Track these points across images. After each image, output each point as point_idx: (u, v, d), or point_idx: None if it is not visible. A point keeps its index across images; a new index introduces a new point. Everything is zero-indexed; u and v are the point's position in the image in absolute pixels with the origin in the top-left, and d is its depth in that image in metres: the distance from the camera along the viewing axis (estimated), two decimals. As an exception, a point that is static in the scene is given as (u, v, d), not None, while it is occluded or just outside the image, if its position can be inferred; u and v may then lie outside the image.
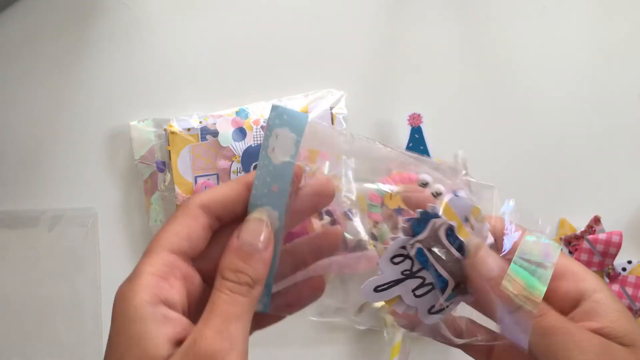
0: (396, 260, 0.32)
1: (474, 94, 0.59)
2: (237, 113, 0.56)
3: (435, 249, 0.31)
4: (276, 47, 0.59)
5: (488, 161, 0.58)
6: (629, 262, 0.54)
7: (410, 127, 0.58)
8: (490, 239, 0.31)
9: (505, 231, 0.31)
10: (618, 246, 0.53)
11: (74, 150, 0.58)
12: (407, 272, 0.32)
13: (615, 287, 0.53)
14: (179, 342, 0.26)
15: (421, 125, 0.57)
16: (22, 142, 0.58)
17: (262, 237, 0.29)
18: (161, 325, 0.26)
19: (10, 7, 0.59)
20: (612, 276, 0.53)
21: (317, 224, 0.55)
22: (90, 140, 0.58)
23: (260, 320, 0.32)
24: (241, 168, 0.55)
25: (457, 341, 0.33)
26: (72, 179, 0.58)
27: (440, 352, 0.58)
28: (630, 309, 0.53)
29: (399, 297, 0.32)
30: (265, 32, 0.59)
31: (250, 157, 0.56)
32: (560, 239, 0.56)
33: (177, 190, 0.56)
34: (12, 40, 0.59)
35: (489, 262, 0.30)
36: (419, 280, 0.32)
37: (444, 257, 0.31)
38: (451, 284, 0.31)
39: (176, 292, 0.28)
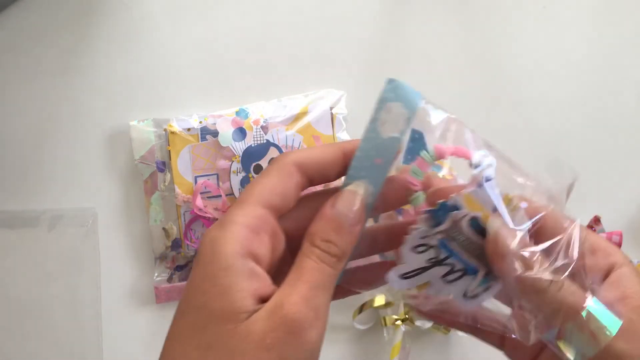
0: (419, 249, 0.30)
1: (473, 94, 0.60)
2: (237, 113, 0.56)
3: (459, 240, 0.30)
4: (276, 47, 0.59)
5: (488, 161, 0.58)
6: (629, 262, 0.54)
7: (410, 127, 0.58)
8: (527, 224, 0.29)
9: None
10: (618, 246, 0.53)
11: (74, 150, 0.58)
12: (434, 260, 0.31)
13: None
14: (261, 299, 0.26)
15: (421, 125, 0.57)
16: (22, 142, 0.58)
17: (356, 211, 0.28)
18: (248, 280, 0.26)
19: (10, 7, 0.59)
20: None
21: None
22: (90, 140, 0.58)
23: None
24: (241, 168, 0.56)
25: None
26: (72, 179, 0.58)
27: (440, 351, 0.58)
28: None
29: (429, 282, 0.31)
30: (265, 32, 0.59)
31: (250, 157, 0.56)
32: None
33: (177, 190, 0.56)
34: (11, 40, 0.59)
35: (505, 238, 0.28)
36: (448, 267, 0.31)
37: (467, 247, 0.30)
38: (482, 271, 0.30)
39: (264, 247, 0.27)
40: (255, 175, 0.56)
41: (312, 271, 0.27)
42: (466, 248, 0.30)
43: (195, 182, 0.56)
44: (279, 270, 0.28)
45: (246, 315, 0.25)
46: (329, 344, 0.57)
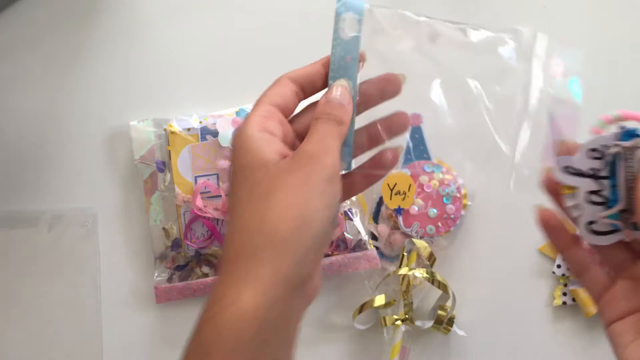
0: (593, 154, 0.34)
1: (474, 94, 0.60)
2: (237, 113, 0.57)
3: (628, 165, 0.34)
4: (276, 47, 0.59)
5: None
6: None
7: (410, 127, 0.58)
8: None
9: None
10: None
11: (74, 150, 0.58)
12: (594, 171, 0.34)
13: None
14: (283, 157, 0.34)
15: (421, 125, 0.58)
16: (22, 142, 0.59)
17: (341, 94, 0.37)
18: (268, 143, 0.34)
19: (10, 8, 0.59)
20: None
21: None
22: (90, 140, 0.58)
23: (352, 187, 0.40)
24: (241, 168, 0.55)
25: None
26: (72, 179, 0.58)
27: (440, 351, 0.58)
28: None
29: (576, 189, 0.35)
30: (265, 32, 0.59)
31: (250, 157, 0.56)
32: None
33: (177, 190, 0.56)
34: (11, 40, 0.59)
35: None
36: (598, 186, 0.34)
37: (628, 177, 0.34)
38: (621, 204, 0.34)
39: (276, 128, 0.35)
40: (255, 175, 0.56)
41: (321, 125, 0.36)
42: (627, 177, 0.34)
43: (195, 182, 0.56)
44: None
45: (276, 162, 0.34)
46: (329, 344, 0.57)
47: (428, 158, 0.57)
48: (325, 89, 0.38)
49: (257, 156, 0.34)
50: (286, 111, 0.38)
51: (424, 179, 0.56)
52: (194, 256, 0.57)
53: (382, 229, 0.57)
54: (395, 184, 0.56)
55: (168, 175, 0.56)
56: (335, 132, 0.36)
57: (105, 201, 0.58)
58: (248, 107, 0.57)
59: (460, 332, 0.56)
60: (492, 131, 0.40)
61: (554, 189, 0.36)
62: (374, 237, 0.57)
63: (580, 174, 0.35)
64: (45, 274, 0.57)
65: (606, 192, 0.35)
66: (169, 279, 0.57)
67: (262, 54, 0.59)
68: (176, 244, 0.57)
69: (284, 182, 0.33)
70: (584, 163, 0.35)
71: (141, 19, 0.59)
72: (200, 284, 0.56)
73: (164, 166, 0.57)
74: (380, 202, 0.58)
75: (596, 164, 0.34)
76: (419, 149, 0.57)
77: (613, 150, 0.34)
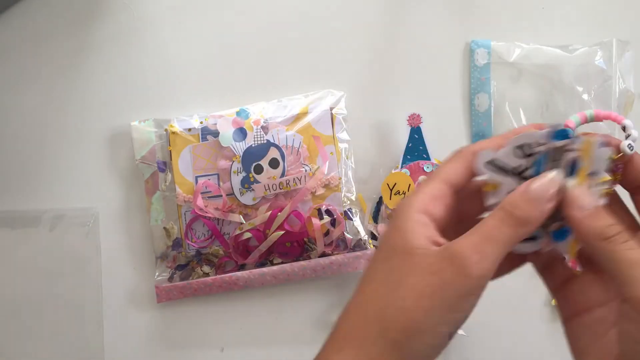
0: (519, 152, 0.33)
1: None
2: (238, 113, 0.57)
3: (554, 167, 0.32)
4: (276, 47, 0.59)
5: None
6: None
7: (409, 128, 0.58)
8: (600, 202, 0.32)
9: None
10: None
11: (75, 150, 0.58)
12: (519, 169, 0.33)
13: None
14: (434, 244, 0.32)
15: (420, 125, 0.58)
16: (24, 142, 0.59)
17: (550, 191, 0.31)
18: (422, 227, 0.32)
19: (11, 8, 0.59)
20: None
21: (316, 222, 0.55)
22: (91, 141, 0.58)
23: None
24: (242, 168, 0.56)
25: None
26: (73, 179, 0.58)
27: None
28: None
29: (497, 186, 0.33)
30: (265, 32, 0.59)
31: (250, 157, 0.56)
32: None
33: (178, 190, 0.56)
34: (13, 41, 0.59)
35: (577, 200, 0.32)
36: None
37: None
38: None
39: (439, 210, 0.33)
40: (255, 176, 0.56)
41: (488, 226, 0.31)
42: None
43: (196, 182, 0.56)
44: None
45: (421, 251, 0.31)
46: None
47: (427, 158, 0.57)
48: None
49: (407, 239, 0.32)
50: (458, 187, 0.34)
51: (423, 179, 0.56)
52: (194, 256, 0.57)
53: (382, 228, 0.57)
54: (395, 183, 0.56)
55: (169, 175, 0.57)
56: (507, 236, 0.31)
57: (107, 201, 0.58)
58: (248, 107, 0.57)
59: (460, 331, 0.56)
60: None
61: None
62: (373, 236, 0.58)
63: (503, 170, 0.33)
64: (47, 273, 0.57)
65: None
66: (170, 279, 0.57)
67: (262, 54, 0.59)
68: (177, 244, 0.57)
69: (417, 279, 0.31)
70: (509, 159, 0.33)
71: (142, 20, 0.59)
72: (201, 284, 0.56)
73: (164, 166, 0.57)
74: (380, 202, 0.58)
75: (523, 162, 0.33)
76: (418, 149, 0.58)
77: (541, 148, 0.32)
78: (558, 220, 0.32)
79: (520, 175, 0.33)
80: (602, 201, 0.32)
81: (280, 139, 0.56)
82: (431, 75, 0.59)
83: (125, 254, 0.58)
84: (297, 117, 0.57)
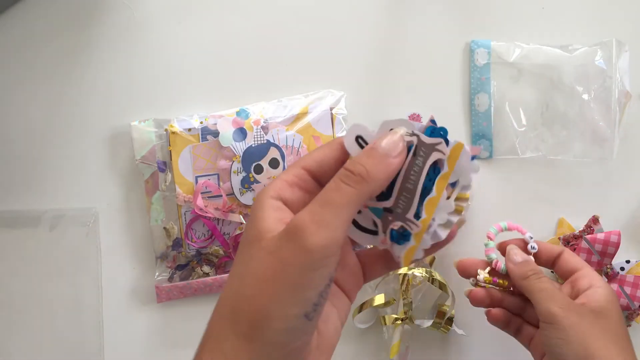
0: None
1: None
2: (238, 113, 0.57)
3: (418, 160, 0.32)
4: (276, 47, 0.59)
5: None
6: (627, 261, 0.54)
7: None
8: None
9: None
10: (616, 246, 0.53)
11: (75, 150, 0.58)
12: None
13: (614, 286, 0.53)
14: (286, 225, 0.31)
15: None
16: (24, 142, 0.59)
17: (399, 147, 0.31)
18: (274, 211, 0.31)
19: (11, 8, 0.59)
20: (610, 275, 0.54)
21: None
22: (91, 141, 0.58)
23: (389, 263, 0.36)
24: (242, 168, 0.56)
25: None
26: (73, 179, 0.58)
27: (439, 350, 0.58)
28: (628, 308, 0.53)
29: None
30: (265, 32, 0.59)
31: (250, 157, 0.56)
32: (559, 238, 0.56)
33: (178, 190, 0.56)
34: (13, 41, 0.59)
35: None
36: None
37: (414, 172, 0.32)
38: (389, 201, 0.32)
39: (295, 196, 0.32)
40: (255, 176, 0.56)
41: (327, 191, 0.30)
42: (406, 175, 0.32)
43: (196, 182, 0.56)
44: None
45: (269, 235, 0.30)
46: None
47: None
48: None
49: (257, 225, 0.31)
50: (319, 174, 0.33)
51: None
52: (194, 256, 0.57)
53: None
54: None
55: (169, 175, 0.57)
56: (348, 196, 0.29)
57: (107, 201, 0.58)
58: (248, 107, 0.57)
59: (460, 331, 0.56)
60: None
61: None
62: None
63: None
64: (47, 273, 0.57)
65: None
66: (170, 279, 0.57)
67: (262, 54, 0.59)
68: (177, 244, 0.57)
69: (258, 264, 0.29)
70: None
71: (142, 20, 0.59)
72: (201, 284, 0.56)
73: (164, 166, 0.57)
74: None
75: None
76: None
77: (409, 139, 0.31)
78: (401, 216, 0.31)
79: None
80: (455, 218, 0.32)
81: (280, 139, 0.56)
82: (431, 75, 0.59)
83: (125, 254, 0.58)
84: (297, 117, 0.57)
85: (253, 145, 0.56)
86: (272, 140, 0.56)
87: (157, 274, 0.57)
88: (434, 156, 0.31)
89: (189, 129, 0.56)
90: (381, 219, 0.32)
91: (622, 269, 0.54)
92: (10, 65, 0.59)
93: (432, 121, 0.32)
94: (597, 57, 0.58)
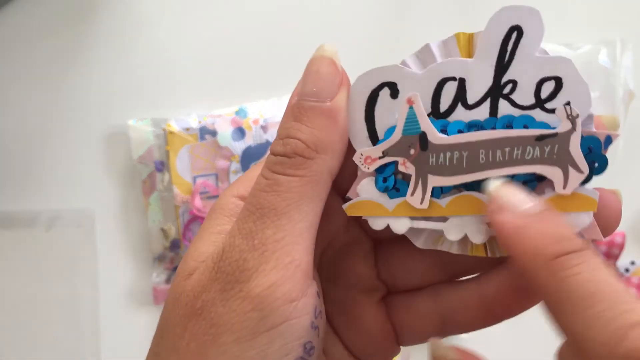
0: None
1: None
2: (237, 112, 0.56)
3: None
4: (276, 46, 0.59)
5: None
6: (632, 262, 0.54)
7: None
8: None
9: None
10: (621, 247, 0.53)
11: (72, 150, 0.58)
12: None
13: (618, 288, 0.53)
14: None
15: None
16: (19, 141, 0.58)
17: (328, 83, 0.22)
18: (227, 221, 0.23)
19: (6, 6, 0.58)
20: (615, 277, 0.53)
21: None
22: (88, 140, 0.58)
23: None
24: (240, 168, 0.55)
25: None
26: (69, 179, 0.58)
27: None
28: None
29: None
30: (264, 31, 0.59)
31: (249, 157, 0.55)
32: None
33: (176, 190, 0.56)
34: (8, 38, 0.58)
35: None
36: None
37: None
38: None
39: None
40: (254, 176, 0.56)
41: (258, 194, 0.20)
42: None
43: (194, 182, 0.56)
44: None
45: (197, 278, 0.20)
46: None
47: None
48: None
49: (188, 257, 0.21)
50: None
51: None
52: (192, 257, 0.57)
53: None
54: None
55: (166, 176, 0.56)
56: (295, 195, 0.20)
57: (103, 201, 0.58)
58: (247, 106, 0.57)
59: (462, 335, 0.55)
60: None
61: None
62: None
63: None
64: (43, 274, 0.57)
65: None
66: (168, 280, 0.57)
67: (262, 52, 0.59)
68: (175, 245, 0.56)
69: (178, 339, 0.19)
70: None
71: (140, 18, 0.59)
72: (199, 285, 0.56)
73: (162, 166, 0.56)
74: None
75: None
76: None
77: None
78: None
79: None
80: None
81: (279, 139, 0.56)
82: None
83: (122, 255, 0.58)
84: (297, 117, 0.57)
85: (252, 145, 0.55)
86: (271, 140, 0.56)
87: (154, 275, 0.57)
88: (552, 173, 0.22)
89: (187, 129, 0.56)
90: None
91: (627, 270, 0.53)
92: (5, 63, 0.58)
93: (608, 138, 0.23)
94: (601, 55, 0.57)
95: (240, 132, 0.56)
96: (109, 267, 0.58)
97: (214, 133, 0.56)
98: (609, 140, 0.23)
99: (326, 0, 0.60)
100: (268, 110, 0.57)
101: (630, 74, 0.57)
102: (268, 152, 0.22)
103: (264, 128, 0.56)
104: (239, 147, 0.55)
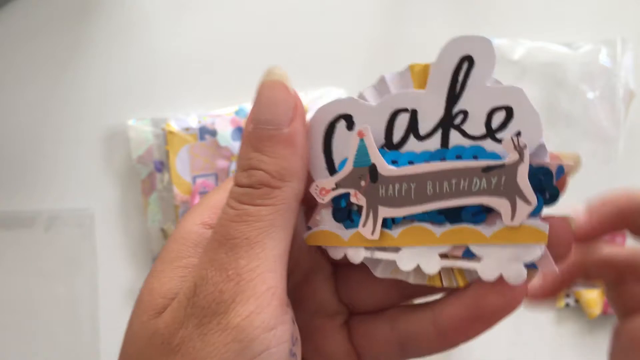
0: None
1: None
2: (236, 112, 0.56)
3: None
4: (275, 45, 0.59)
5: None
6: (633, 263, 0.53)
7: None
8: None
9: None
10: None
11: (71, 150, 0.58)
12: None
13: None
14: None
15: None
16: (18, 141, 0.58)
17: (283, 109, 0.21)
18: (191, 252, 0.22)
19: (5, 6, 0.58)
20: (615, 277, 0.53)
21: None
22: (87, 140, 0.58)
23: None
24: (240, 168, 0.55)
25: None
26: (68, 179, 0.58)
27: (441, 354, 0.57)
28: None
29: None
30: (264, 30, 0.59)
31: (249, 157, 0.55)
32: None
33: (175, 190, 0.56)
34: (7, 38, 0.58)
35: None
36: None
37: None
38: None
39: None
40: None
41: (229, 225, 0.20)
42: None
43: (194, 182, 0.56)
44: None
45: (162, 308, 0.20)
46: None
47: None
48: None
49: (148, 289, 0.21)
50: None
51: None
52: (192, 257, 0.57)
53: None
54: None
55: (166, 175, 0.56)
56: (265, 224, 0.20)
57: (103, 201, 0.58)
58: (247, 105, 0.57)
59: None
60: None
61: None
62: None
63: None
64: (42, 275, 0.56)
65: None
66: (167, 280, 0.57)
67: (261, 51, 0.59)
68: (174, 245, 0.56)
69: None
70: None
71: (139, 17, 0.59)
72: (199, 286, 0.56)
73: (162, 166, 0.56)
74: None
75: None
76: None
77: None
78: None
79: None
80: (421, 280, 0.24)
81: (279, 139, 0.56)
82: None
83: (121, 255, 0.58)
84: (297, 116, 0.57)
85: (252, 145, 0.55)
86: (271, 140, 0.56)
87: (154, 275, 0.57)
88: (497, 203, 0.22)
89: (187, 128, 0.56)
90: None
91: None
92: (4, 63, 0.58)
93: (560, 168, 0.22)
94: (602, 55, 0.57)
95: (240, 132, 0.56)
96: (109, 267, 0.58)
97: (213, 133, 0.55)
98: (560, 170, 0.22)
99: (327, 2, 0.60)
100: (268, 110, 0.57)
101: (630, 74, 0.57)
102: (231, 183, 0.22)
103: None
104: (238, 147, 0.55)
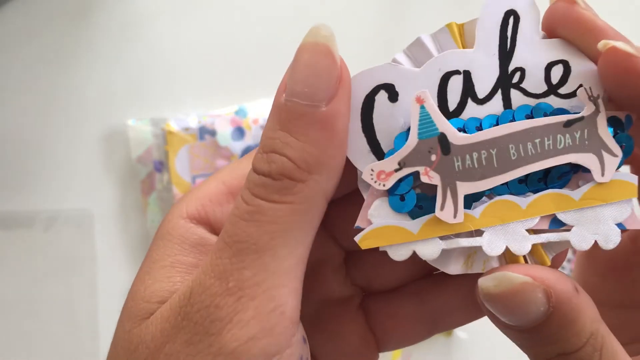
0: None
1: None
2: (236, 112, 0.56)
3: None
4: (275, 44, 0.59)
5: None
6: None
7: None
8: None
9: None
10: (622, 247, 0.52)
11: (70, 150, 0.58)
12: None
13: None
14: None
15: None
16: (17, 141, 0.58)
17: (325, 81, 0.17)
18: (179, 252, 0.20)
19: (5, 5, 0.58)
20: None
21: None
22: (87, 140, 0.58)
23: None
24: (240, 168, 0.55)
25: None
26: (68, 179, 0.58)
27: (442, 354, 0.57)
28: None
29: None
30: (264, 30, 0.59)
31: (249, 157, 0.55)
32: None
33: (175, 190, 0.55)
34: (7, 38, 0.58)
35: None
36: None
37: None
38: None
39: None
40: (254, 176, 0.56)
41: (234, 223, 0.16)
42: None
43: (194, 182, 0.56)
44: None
45: (146, 314, 0.18)
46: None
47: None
48: None
49: (134, 297, 0.19)
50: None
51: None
52: (192, 257, 0.57)
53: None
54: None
55: (166, 176, 0.56)
56: (280, 226, 0.16)
57: (102, 202, 0.58)
58: (247, 105, 0.57)
59: (462, 335, 0.56)
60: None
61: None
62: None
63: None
64: (41, 275, 0.56)
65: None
66: (167, 281, 0.57)
67: (261, 51, 0.59)
68: (174, 245, 0.56)
69: None
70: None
71: (139, 17, 0.59)
72: (198, 286, 0.56)
73: (161, 166, 0.56)
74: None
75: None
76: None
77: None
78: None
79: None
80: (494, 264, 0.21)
81: (279, 139, 0.56)
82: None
83: (121, 256, 0.58)
84: (297, 116, 0.57)
85: (252, 145, 0.55)
86: (271, 140, 0.56)
87: (153, 276, 0.57)
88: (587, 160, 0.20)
89: (187, 128, 0.56)
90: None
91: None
92: (4, 62, 0.58)
93: (628, 117, 0.21)
94: None
95: (239, 131, 0.56)
96: (108, 267, 0.57)
97: (213, 133, 0.55)
98: (629, 119, 0.21)
99: (325, 2, 0.60)
100: (268, 110, 0.57)
101: None
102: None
103: (263, 128, 0.56)
104: (238, 146, 0.55)
